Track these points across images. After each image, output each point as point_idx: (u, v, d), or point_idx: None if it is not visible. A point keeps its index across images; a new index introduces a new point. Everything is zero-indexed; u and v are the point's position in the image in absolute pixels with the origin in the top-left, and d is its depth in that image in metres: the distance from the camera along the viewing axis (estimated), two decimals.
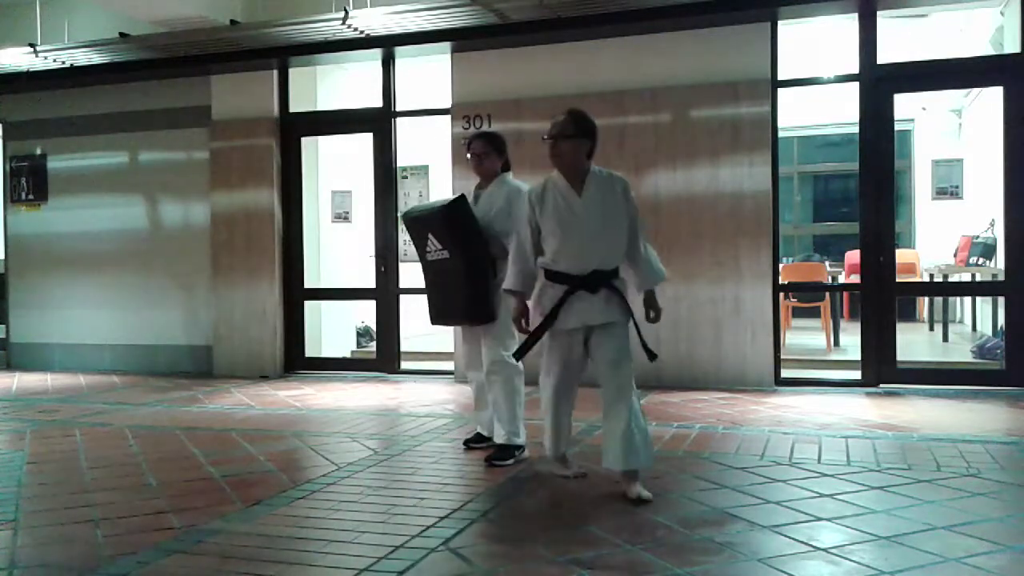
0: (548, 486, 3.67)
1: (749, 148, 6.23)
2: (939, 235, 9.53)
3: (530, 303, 3.69)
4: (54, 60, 7.32)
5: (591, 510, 3.29)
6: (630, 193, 3.60)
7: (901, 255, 7.50)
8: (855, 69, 6.19)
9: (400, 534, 3.01)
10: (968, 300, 9.33)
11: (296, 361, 7.64)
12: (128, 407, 5.98)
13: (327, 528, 3.12)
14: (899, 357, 6.20)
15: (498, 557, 2.81)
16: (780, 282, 6.44)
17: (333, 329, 8.09)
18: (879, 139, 6.18)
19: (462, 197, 4.14)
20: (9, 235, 8.65)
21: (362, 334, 8.81)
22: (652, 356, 3.58)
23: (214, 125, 7.68)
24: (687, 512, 3.23)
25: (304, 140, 7.69)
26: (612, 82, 6.51)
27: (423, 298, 4.58)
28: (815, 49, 7.38)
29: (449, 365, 7.10)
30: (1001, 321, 6.83)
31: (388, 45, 6.82)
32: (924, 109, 10.26)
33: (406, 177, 8.25)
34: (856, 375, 6.25)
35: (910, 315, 10.08)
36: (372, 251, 7.53)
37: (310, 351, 7.71)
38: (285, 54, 7.16)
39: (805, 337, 8.55)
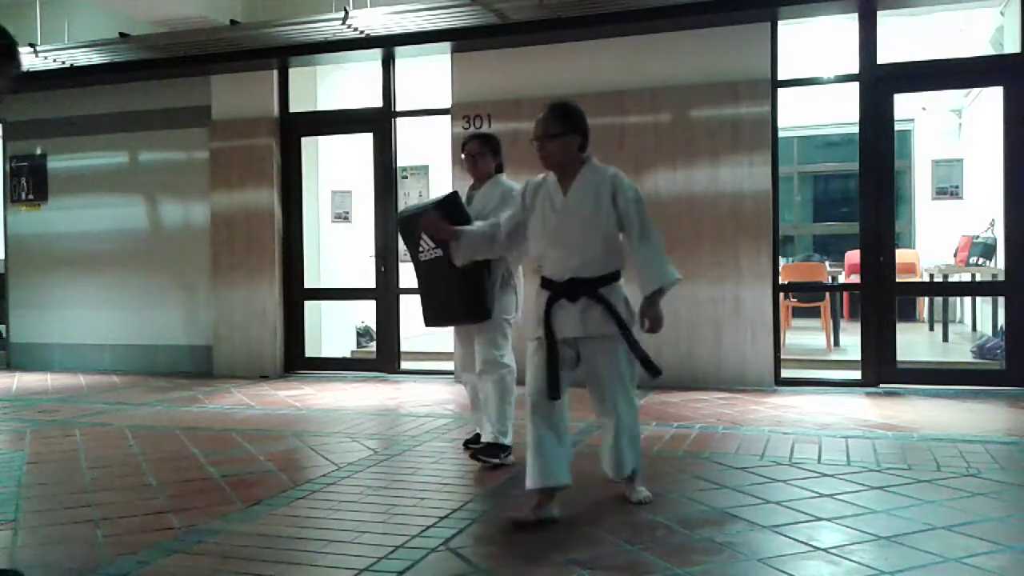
0: None
1: (749, 148, 6.23)
2: (939, 235, 9.52)
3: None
4: (54, 60, 7.33)
5: (591, 510, 3.29)
6: (622, 183, 3.24)
7: (901, 255, 7.50)
8: (855, 69, 6.19)
9: (400, 534, 3.01)
10: (968, 300, 9.33)
11: (296, 361, 7.64)
12: (128, 407, 5.98)
13: (327, 528, 3.12)
14: (899, 357, 6.20)
15: (498, 557, 2.81)
16: (780, 282, 6.44)
17: (333, 329, 8.08)
18: (879, 139, 6.18)
19: (455, 194, 4.13)
20: (9, 235, 8.65)
21: (362, 334, 8.81)
22: (654, 372, 3.20)
23: (214, 125, 7.68)
24: (687, 512, 3.22)
25: (304, 140, 7.69)
26: (612, 82, 6.51)
27: None
28: (815, 49, 7.37)
29: (449, 365, 7.08)
30: (1001, 321, 6.83)
31: (388, 45, 6.83)
32: (924, 109, 10.26)
33: (406, 177, 8.26)
34: (856, 375, 6.25)
35: (910, 315, 10.07)
36: (372, 251, 7.53)
37: (310, 351, 7.71)
38: (285, 54, 7.17)
39: (805, 337, 8.55)
